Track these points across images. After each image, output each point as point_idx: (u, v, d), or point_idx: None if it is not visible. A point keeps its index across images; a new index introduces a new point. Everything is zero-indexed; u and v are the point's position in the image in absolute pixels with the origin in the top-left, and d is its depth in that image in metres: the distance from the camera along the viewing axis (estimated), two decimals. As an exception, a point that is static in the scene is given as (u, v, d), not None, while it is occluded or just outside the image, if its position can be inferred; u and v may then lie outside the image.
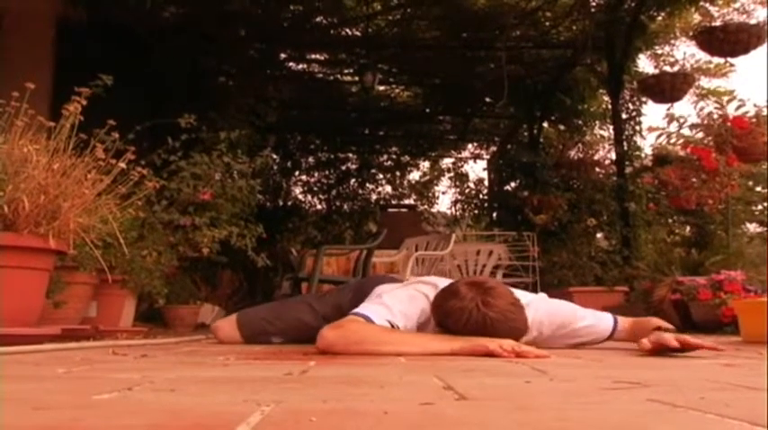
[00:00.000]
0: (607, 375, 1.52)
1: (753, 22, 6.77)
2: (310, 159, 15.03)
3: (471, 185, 14.22)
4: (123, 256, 3.65)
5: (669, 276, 5.40)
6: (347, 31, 9.68)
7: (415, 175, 16.19)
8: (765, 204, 7.95)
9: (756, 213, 8.04)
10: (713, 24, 6.88)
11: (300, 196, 14.68)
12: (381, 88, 11.52)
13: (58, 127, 2.87)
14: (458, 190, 14.65)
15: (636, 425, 0.87)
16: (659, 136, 6.37)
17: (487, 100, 11.70)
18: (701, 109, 5.98)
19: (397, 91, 12.45)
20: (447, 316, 2.26)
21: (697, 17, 7.89)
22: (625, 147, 8.37)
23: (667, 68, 8.27)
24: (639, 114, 8.69)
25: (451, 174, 15.41)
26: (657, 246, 7.04)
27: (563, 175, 9.42)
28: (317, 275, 5.49)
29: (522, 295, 2.47)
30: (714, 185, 5.65)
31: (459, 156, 15.29)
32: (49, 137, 2.85)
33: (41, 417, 0.89)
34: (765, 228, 7.83)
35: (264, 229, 4.79)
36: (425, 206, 15.70)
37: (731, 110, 5.87)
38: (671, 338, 2.14)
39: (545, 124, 11.19)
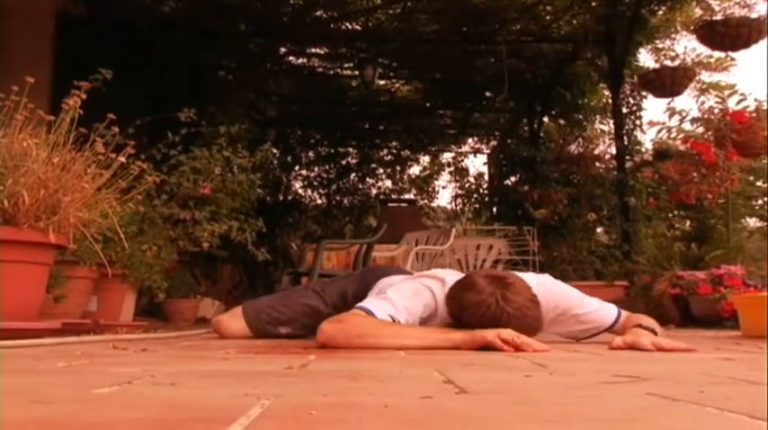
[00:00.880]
0: (607, 369, 1.52)
1: (754, 16, 6.75)
2: (310, 154, 15.04)
3: (471, 180, 14.23)
4: (123, 251, 3.65)
5: (669, 271, 5.41)
6: (347, 24, 9.66)
7: (415, 170, 16.20)
8: (765, 199, 7.95)
9: (756, 208, 8.04)
10: (714, 18, 6.87)
11: (300, 191, 14.70)
12: (381, 82, 11.51)
13: (57, 121, 2.87)
14: (458, 184, 14.66)
15: (635, 419, 0.87)
16: (659, 130, 6.38)
17: (488, 94, 11.70)
18: (702, 103, 5.99)
19: (397, 85, 12.44)
20: (463, 309, 2.24)
21: (698, 11, 7.87)
22: (625, 142, 8.37)
23: (668, 63, 8.26)
24: (640, 109, 8.69)
25: (452, 169, 15.41)
26: (657, 240, 7.04)
27: (563, 170, 9.42)
28: (318, 270, 5.49)
29: (529, 277, 2.45)
30: (714, 180, 5.65)
31: (460, 150, 15.29)
32: (48, 131, 2.85)
33: (41, 411, 0.89)
34: (765, 223, 7.83)
35: (264, 224, 4.79)
36: (425, 201, 15.70)
37: (732, 104, 5.87)
38: (646, 343, 2.14)
39: (545, 119, 11.19)
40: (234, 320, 3.13)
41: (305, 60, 11.55)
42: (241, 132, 5.35)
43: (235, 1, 7.65)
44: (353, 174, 14.93)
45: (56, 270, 3.12)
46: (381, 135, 15.06)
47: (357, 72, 10.42)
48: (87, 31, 6.31)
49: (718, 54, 7.89)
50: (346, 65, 11.52)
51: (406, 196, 15.62)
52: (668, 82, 7.26)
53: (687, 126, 6.20)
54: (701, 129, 6.07)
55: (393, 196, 15.33)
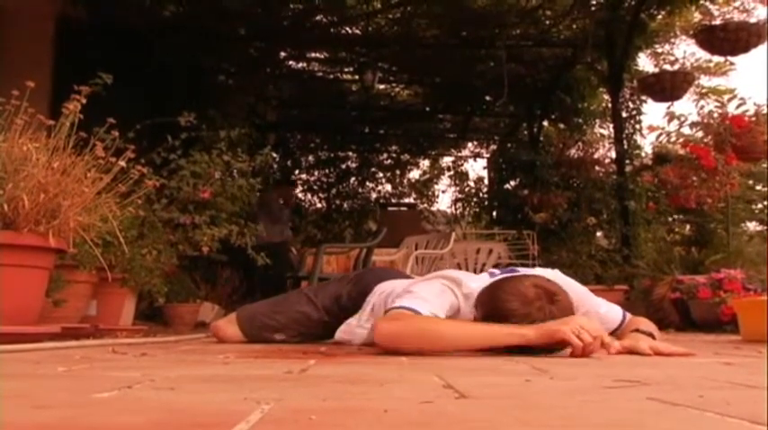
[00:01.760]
0: (607, 373, 1.52)
1: (753, 20, 6.76)
2: (310, 158, 15.04)
3: (471, 184, 14.23)
4: (123, 255, 3.65)
5: (669, 275, 5.41)
6: (347, 29, 9.67)
7: (414, 174, 16.20)
8: (765, 203, 7.95)
9: (756, 212, 8.04)
10: (713, 23, 6.88)
11: (300, 195, 14.69)
12: (381, 87, 11.51)
13: (57, 125, 2.87)
14: (458, 188, 14.66)
15: (636, 424, 0.87)
16: (659, 135, 6.38)
17: (487, 98, 11.70)
18: (702, 107, 5.99)
19: (397, 89, 12.45)
20: (504, 316, 2.12)
21: (697, 16, 7.88)
22: (625, 146, 8.36)
23: (667, 67, 8.27)
24: (639, 113, 8.68)
25: (451, 173, 15.40)
26: (657, 244, 7.04)
27: (563, 174, 9.42)
28: (318, 274, 5.49)
29: (542, 272, 2.42)
30: (713, 184, 5.65)
31: (459, 154, 15.29)
32: (48, 135, 2.85)
33: (41, 415, 0.89)
34: (765, 227, 7.83)
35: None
36: (425, 205, 15.70)
37: (731, 108, 5.88)
38: (645, 347, 2.13)
39: (545, 123, 11.19)
40: (230, 326, 3.12)
41: (305, 64, 11.56)
42: (241, 136, 5.35)
43: (235, 5, 7.66)
44: (353, 179, 14.94)
45: (55, 274, 3.11)
46: (381, 139, 15.07)
47: (357, 76, 10.42)
48: (87, 35, 6.32)
49: (717, 58, 7.92)
50: (346, 69, 11.53)
51: (406, 200, 15.62)
52: (668, 86, 7.27)
53: (687, 130, 6.21)
54: (700, 134, 6.08)
55: (393, 200, 15.34)
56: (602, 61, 9.00)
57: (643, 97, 8.44)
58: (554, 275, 2.49)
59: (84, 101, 2.95)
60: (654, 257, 6.38)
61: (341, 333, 2.88)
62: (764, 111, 5.74)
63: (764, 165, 7.14)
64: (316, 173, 14.94)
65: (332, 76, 11.94)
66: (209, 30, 8.00)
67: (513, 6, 8.32)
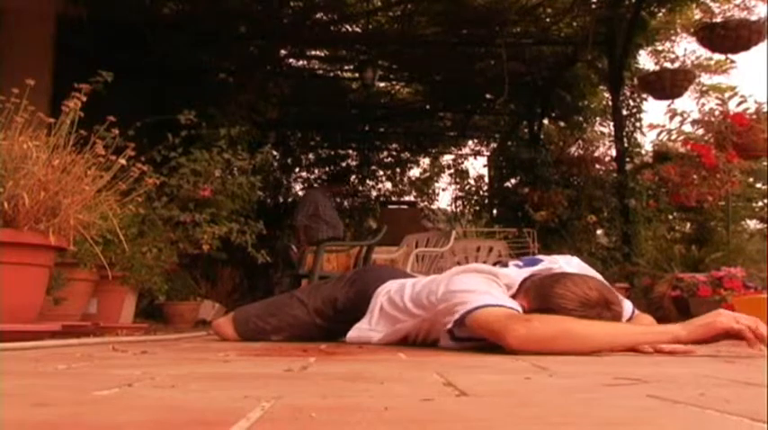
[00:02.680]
0: (607, 371, 1.52)
1: (753, 18, 6.76)
2: (310, 156, 15.04)
3: (471, 182, 14.23)
4: (123, 253, 3.65)
5: (669, 273, 5.42)
6: (347, 27, 9.68)
7: (415, 172, 16.21)
8: (766, 201, 7.96)
9: (757, 210, 8.05)
10: (714, 21, 6.88)
11: (301, 192, 14.68)
12: (381, 85, 11.52)
13: (57, 123, 2.87)
14: (458, 186, 14.66)
15: (636, 422, 0.87)
16: (660, 133, 6.39)
17: (488, 96, 11.72)
18: (702, 105, 5.99)
19: (397, 87, 12.45)
20: (552, 312, 2.07)
21: (698, 13, 7.89)
22: (625, 144, 8.37)
23: (668, 65, 8.28)
24: (640, 111, 8.69)
25: (452, 171, 15.42)
26: (657, 242, 7.04)
27: (563, 172, 9.43)
28: (318, 272, 5.49)
29: (563, 259, 2.38)
30: (714, 182, 5.66)
31: (460, 152, 15.30)
32: (48, 133, 2.85)
33: (42, 413, 0.89)
34: (765, 225, 7.84)
35: (264, 226, 4.79)
36: (425, 203, 15.71)
37: (732, 106, 5.87)
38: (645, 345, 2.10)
39: (545, 121, 11.20)
40: (227, 325, 3.11)
41: (305, 62, 11.57)
42: (241, 134, 5.36)
43: (235, 3, 7.66)
44: (353, 176, 14.93)
45: (56, 272, 3.12)
46: (381, 137, 15.07)
47: (357, 74, 10.42)
48: (87, 33, 6.32)
49: (717, 56, 7.92)
50: (346, 67, 11.54)
51: (407, 198, 15.63)
52: (668, 84, 7.27)
53: (687, 128, 6.21)
54: (701, 132, 6.08)
55: (393, 198, 15.34)
56: (602, 59, 9.01)
57: (643, 95, 8.46)
58: (573, 262, 2.47)
59: (84, 99, 2.95)
60: (654, 255, 6.39)
61: (353, 338, 2.81)
62: (765, 109, 5.73)
63: (765, 163, 7.15)
64: (316, 170, 14.94)
65: (332, 74, 11.95)
66: (209, 28, 8.00)
67: (514, 4, 8.33)
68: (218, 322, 3.24)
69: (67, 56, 5.76)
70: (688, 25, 8.10)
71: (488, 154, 14.38)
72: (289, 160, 14.20)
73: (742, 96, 5.86)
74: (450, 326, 2.22)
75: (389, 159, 15.69)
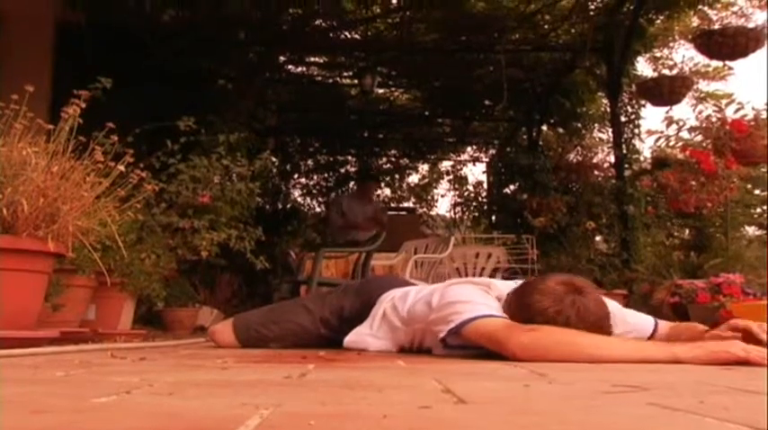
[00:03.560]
0: (607, 378, 1.52)
1: (751, 25, 6.78)
2: (309, 162, 15.05)
3: (470, 188, 14.23)
4: (122, 259, 3.65)
5: (668, 279, 5.41)
6: (346, 34, 9.69)
7: (414, 178, 16.23)
8: (765, 207, 7.96)
9: (755, 216, 8.04)
10: (712, 28, 6.90)
11: (299, 199, 14.69)
12: (380, 91, 11.54)
13: (57, 129, 2.87)
14: (457, 193, 14.68)
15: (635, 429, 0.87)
16: (658, 139, 6.39)
17: (487, 103, 11.73)
18: (700, 112, 6.00)
19: (396, 94, 12.47)
20: (534, 317, 2.11)
21: (696, 20, 7.91)
22: (624, 150, 8.38)
23: (666, 72, 8.28)
24: (638, 117, 8.70)
25: (450, 177, 15.44)
26: (656, 249, 7.04)
27: (562, 178, 9.44)
28: (317, 278, 5.49)
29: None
30: (713, 188, 5.65)
31: (459, 158, 15.32)
32: (48, 139, 2.85)
33: (40, 421, 0.89)
34: (764, 232, 7.84)
35: (263, 232, 4.79)
36: (424, 209, 15.72)
37: (730, 113, 5.88)
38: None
39: (544, 127, 11.21)
40: (226, 331, 3.07)
41: (304, 69, 11.58)
42: (240, 141, 5.36)
43: (234, 10, 7.67)
44: (352, 183, 14.93)
45: (54, 278, 3.11)
46: (380, 143, 15.08)
47: (356, 81, 10.44)
48: (87, 39, 6.32)
49: (715, 63, 7.93)
50: (345, 73, 11.55)
51: (405, 204, 15.65)
52: (666, 91, 7.28)
53: (685, 134, 6.21)
54: (699, 138, 6.08)
55: (392, 204, 15.34)
56: (600, 66, 9.02)
57: (642, 102, 8.46)
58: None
59: (83, 105, 2.95)
60: (653, 262, 6.38)
61: (351, 343, 2.80)
62: (763, 116, 5.74)
63: (764, 170, 7.15)
64: (315, 177, 14.94)
65: (331, 81, 11.96)
66: (208, 34, 8.01)
67: (512, 11, 8.35)
68: (214, 328, 3.21)
69: (67, 62, 5.76)
70: (686, 32, 8.12)
71: (487, 160, 14.39)
72: (288, 166, 14.20)
73: (739, 103, 5.87)
74: (443, 335, 2.26)
75: (388, 165, 15.70)
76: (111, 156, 3.00)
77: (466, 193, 14.14)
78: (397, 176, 15.81)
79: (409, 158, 15.54)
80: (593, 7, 8.36)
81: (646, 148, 8.64)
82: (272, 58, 10.25)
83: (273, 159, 11.61)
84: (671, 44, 8.90)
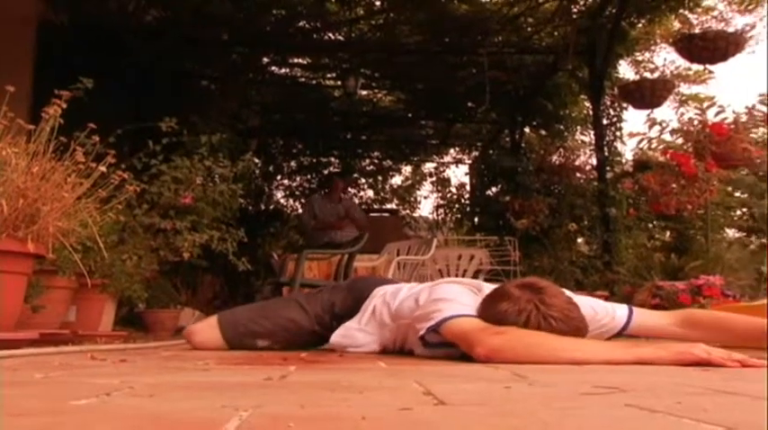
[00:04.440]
0: (587, 379, 1.53)
1: (731, 30, 6.85)
2: (292, 163, 15.02)
3: (453, 190, 14.21)
4: (103, 260, 3.62)
5: (649, 281, 5.45)
6: (330, 35, 9.69)
7: (397, 180, 16.24)
8: (744, 210, 8.03)
9: (735, 218, 8.12)
10: (692, 32, 6.95)
11: (282, 200, 14.66)
12: (364, 93, 11.53)
13: (37, 130, 2.85)
14: (439, 194, 14.66)
15: (613, 431, 0.88)
16: (640, 141, 6.43)
17: (470, 105, 11.75)
18: (682, 114, 6.04)
19: (379, 95, 12.47)
20: (501, 320, 2.12)
21: (677, 24, 7.97)
22: (606, 153, 8.42)
23: (648, 74, 8.35)
24: (620, 120, 8.75)
25: (433, 179, 15.45)
26: (638, 250, 7.09)
27: (544, 180, 9.47)
28: (299, 279, 5.48)
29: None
30: (693, 191, 5.70)
31: (441, 160, 15.33)
32: (28, 140, 2.83)
33: (17, 423, 0.89)
34: (744, 234, 7.91)
35: (246, 234, 4.77)
36: (407, 210, 15.73)
37: (711, 116, 5.93)
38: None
39: (527, 129, 11.25)
40: (208, 331, 3.00)
41: (287, 70, 11.56)
42: (223, 142, 5.33)
43: (218, 10, 7.65)
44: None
45: (34, 280, 3.09)
46: (363, 145, 15.08)
47: (339, 82, 10.44)
48: (69, 39, 6.29)
49: (696, 67, 8.00)
50: (329, 75, 11.54)
51: (388, 206, 15.65)
52: (648, 93, 7.32)
53: (667, 137, 6.26)
54: (680, 141, 6.12)
55: (375, 206, 15.35)
56: (583, 68, 9.07)
57: (624, 104, 8.51)
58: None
59: (64, 105, 2.93)
60: (634, 263, 6.42)
61: (339, 337, 2.80)
62: (743, 119, 5.79)
63: (743, 173, 7.21)
64: (298, 178, 14.92)
65: (314, 82, 11.94)
66: (191, 35, 7.99)
67: (496, 14, 8.38)
68: (193, 329, 3.13)
69: (48, 62, 5.72)
70: (667, 36, 8.17)
71: (470, 162, 14.41)
72: (270, 168, 14.17)
73: (720, 106, 5.92)
74: (422, 332, 2.27)
75: (371, 167, 15.70)
76: (92, 156, 2.98)
77: (449, 195, 14.13)
78: (380, 178, 15.82)
79: (392, 160, 15.56)
80: (575, 10, 8.41)
81: (627, 151, 8.72)
82: (256, 59, 10.23)
83: (256, 160, 11.59)
84: (652, 47, 8.97)
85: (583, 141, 10.33)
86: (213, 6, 7.52)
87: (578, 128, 10.48)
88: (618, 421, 0.96)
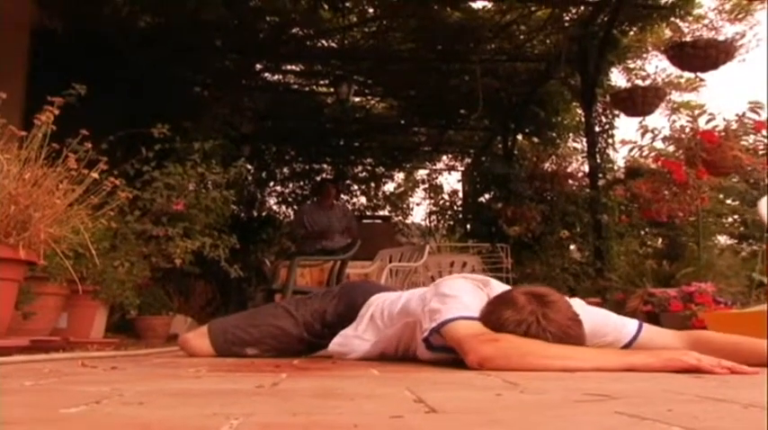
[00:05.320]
0: (578, 387, 1.53)
1: (721, 38, 6.89)
2: (285, 170, 15.02)
3: (446, 197, 14.29)
4: (95, 267, 3.61)
5: (641, 288, 5.45)
6: (323, 42, 9.70)
7: (389, 187, 16.26)
8: (735, 217, 8.06)
9: (727, 226, 8.14)
10: (684, 40, 6.98)
11: (275, 207, 14.65)
12: (357, 99, 11.55)
13: (29, 136, 2.85)
14: (432, 201, 14.71)
15: (603, 438, 0.88)
16: (631, 149, 6.45)
17: (462, 112, 11.77)
18: (674, 122, 6.06)
19: (372, 102, 12.49)
20: (501, 326, 2.10)
21: (668, 32, 8.01)
22: (598, 160, 8.44)
23: (639, 82, 8.38)
24: (612, 127, 8.78)
25: (426, 186, 15.49)
26: (630, 257, 7.09)
27: (537, 187, 9.50)
28: (291, 286, 5.48)
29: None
30: (685, 198, 5.71)
31: (434, 167, 15.37)
32: (20, 146, 2.82)
33: (7, 432, 0.88)
34: (735, 241, 7.93)
35: (238, 240, 4.77)
36: (400, 217, 15.74)
37: (702, 123, 5.95)
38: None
39: (519, 136, 11.28)
40: (199, 339, 3.00)
41: (280, 77, 11.56)
42: (215, 148, 5.33)
43: (211, 17, 7.65)
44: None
45: (25, 286, 3.08)
46: (356, 152, 15.09)
47: (332, 89, 10.45)
48: (62, 46, 6.27)
49: (688, 74, 8.03)
50: (321, 82, 11.56)
51: (381, 213, 15.66)
52: (640, 101, 7.35)
53: (659, 144, 6.28)
54: (672, 148, 6.14)
55: (367, 213, 15.35)
56: (575, 76, 9.09)
57: (615, 112, 8.54)
58: (578, 306, 2.43)
59: (57, 112, 2.93)
60: (626, 270, 6.43)
61: (336, 345, 2.79)
62: (733, 127, 5.81)
63: (734, 180, 7.24)
64: (290, 185, 14.92)
65: (307, 89, 11.96)
66: (184, 41, 7.98)
67: (488, 21, 8.41)
68: (186, 337, 3.13)
69: (42, 68, 5.71)
70: (659, 44, 8.21)
71: (462, 169, 14.45)
72: (263, 174, 14.16)
73: (711, 114, 5.94)
74: (425, 334, 2.26)
75: (364, 174, 15.71)
76: (84, 163, 2.98)
77: (441, 202, 14.19)
78: (372, 185, 15.82)
79: (385, 167, 15.57)
80: (567, 19, 8.44)
81: (619, 158, 8.74)
82: (249, 66, 10.22)
83: (249, 167, 11.58)
84: (644, 55, 9.01)
85: (575, 148, 10.38)
86: (206, 13, 7.52)
87: (570, 135, 10.52)
88: (608, 428, 0.96)
